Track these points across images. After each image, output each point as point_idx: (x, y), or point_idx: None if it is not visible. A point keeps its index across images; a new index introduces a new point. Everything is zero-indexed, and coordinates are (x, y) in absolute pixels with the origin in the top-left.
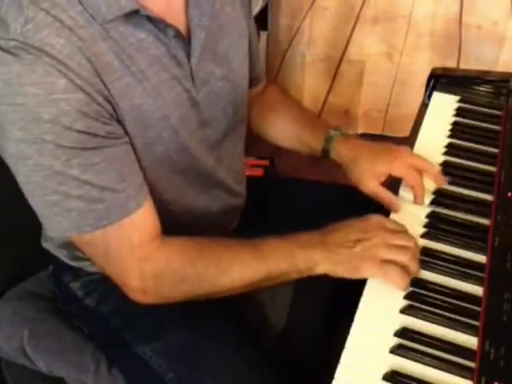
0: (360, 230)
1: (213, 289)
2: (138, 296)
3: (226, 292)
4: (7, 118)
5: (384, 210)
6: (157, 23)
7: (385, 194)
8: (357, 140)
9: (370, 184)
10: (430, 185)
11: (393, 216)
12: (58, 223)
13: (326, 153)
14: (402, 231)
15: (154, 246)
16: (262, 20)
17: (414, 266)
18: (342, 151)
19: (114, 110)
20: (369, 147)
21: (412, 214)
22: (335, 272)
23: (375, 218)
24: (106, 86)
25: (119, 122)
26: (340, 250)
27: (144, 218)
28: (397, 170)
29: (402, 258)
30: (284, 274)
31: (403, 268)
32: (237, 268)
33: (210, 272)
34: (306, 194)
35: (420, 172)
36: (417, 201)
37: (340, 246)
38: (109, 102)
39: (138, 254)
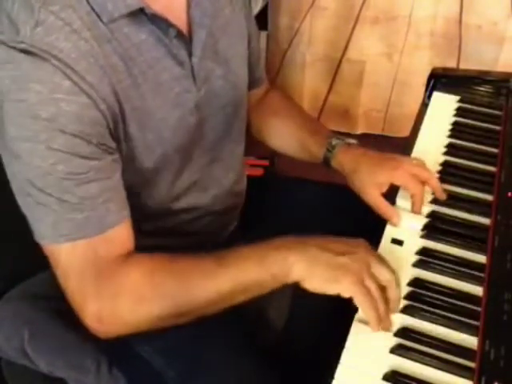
0: (347, 244)
1: (176, 306)
2: (95, 324)
3: (195, 309)
4: (8, 114)
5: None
6: (159, 23)
7: (384, 206)
8: (358, 149)
9: (372, 194)
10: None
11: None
12: (36, 227)
13: (327, 161)
14: (386, 263)
15: (116, 266)
16: (262, 20)
17: (381, 306)
18: (343, 161)
19: (119, 113)
20: (370, 157)
21: (412, 215)
22: (310, 279)
23: (362, 241)
24: (113, 88)
25: (119, 131)
26: (322, 254)
27: (118, 237)
28: (398, 179)
29: (376, 293)
30: (257, 282)
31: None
32: (198, 279)
33: (168, 286)
34: (306, 193)
35: (422, 182)
36: (415, 210)
37: (322, 250)
38: (113, 108)
39: (99, 273)
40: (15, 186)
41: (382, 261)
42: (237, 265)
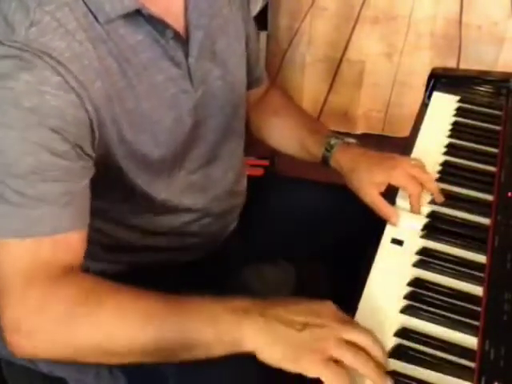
0: (311, 312)
1: (104, 338)
2: (10, 332)
3: (126, 353)
4: None
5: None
6: (156, 24)
7: (383, 206)
8: (357, 149)
9: (370, 193)
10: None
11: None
12: None
13: (325, 161)
14: (357, 325)
15: (54, 276)
16: (262, 20)
17: (367, 368)
18: (341, 160)
19: (110, 117)
20: (368, 156)
21: (412, 215)
22: (268, 353)
23: (328, 303)
24: (106, 91)
25: (111, 132)
26: (281, 329)
27: (67, 244)
28: (396, 179)
29: (353, 360)
30: (203, 345)
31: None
32: (138, 317)
33: (104, 313)
34: (306, 194)
35: (420, 182)
36: (413, 210)
37: (284, 324)
38: (100, 110)
39: (31, 275)
40: None
41: (351, 323)
42: (185, 316)
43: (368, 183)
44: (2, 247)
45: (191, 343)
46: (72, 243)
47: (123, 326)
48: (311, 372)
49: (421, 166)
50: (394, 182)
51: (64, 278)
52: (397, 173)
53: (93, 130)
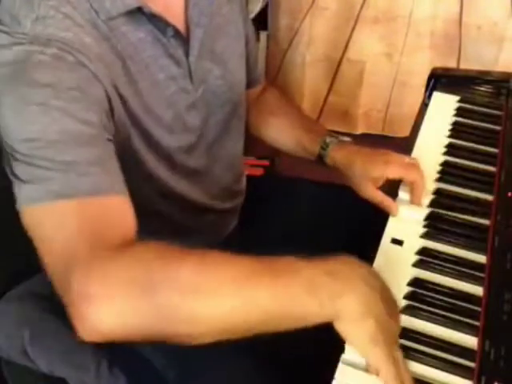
0: (393, 305)
1: (191, 308)
2: (81, 302)
3: (216, 325)
4: (4, 83)
5: (383, 212)
6: (157, 23)
7: (382, 198)
8: (351, 147)
9: (367, 189)
10: (430, 185)
11: (393, 217)
12: (24, 189)
13: (321, 159)
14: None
15: (116, 247)
16: (262, 20)
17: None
18: (336, 158)
19: (120, 102)
20: (362, 153)
21: (412, 215)
22: (357, 327)
23: (397, 302)
24: (113, 81)
25: (123, 115)
26: (380, 306)
27: (114, 208)
28: (392, 172)
29: (406, 374)
30: (300, 307)
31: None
32: (230, 283)
33: (189, 276)
34: (306, 194)
35: (419, 169)
36: (415, 200)
37: (382, 301)
38: (113, 95)
39: (96, 243)
40: (4, 150)
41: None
42: (280, 279)
43: (364, 179)
44: (46, 214)
45: (285, 306)
46: (119, 208)
47: (212, 293)
48: (379, 361)
49: (414, 163)
50: (391, 175)
51: (129, 244)
52: (392, 165)
53: (110, 106)
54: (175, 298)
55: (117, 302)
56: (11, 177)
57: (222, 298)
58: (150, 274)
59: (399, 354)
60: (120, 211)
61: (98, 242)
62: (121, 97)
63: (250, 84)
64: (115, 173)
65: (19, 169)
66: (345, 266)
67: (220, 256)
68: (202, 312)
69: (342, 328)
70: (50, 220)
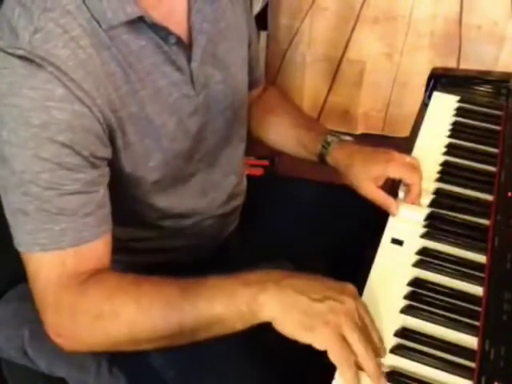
0: (331, 287)
1: (133, 331)
2: (54, 335)
3: (154, 339)
4: (2, 118)
5: (383, 212)
6: (158, 31)
7: (382, 197)
8: (353, 146)
9: (367, 188)
10: (430, 185)
11: (393, 217)
12: (15, 233)
13: (322, 158)
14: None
15: (81, 279)
16: (262, 20)
17: (371, 362)
18: (337, 157)
19: (116, 121)
20: (363, 152)
21: (412, 215)
22: (282, 322)
23: (351, 286)
24: (109, 96)
25: (117, 140)
26: (298, 298)
27: (92, 252)
28: (393, 171)
29: (360, 349)
30: (222, 320)
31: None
32: (159, 307)
33: (128, 310)
34: (306, 193)
35: (419, 171)
36: (413, 200)
37: (300, 293)
38: (108, 117)
39: (62, 283)
40: (1, 189)
41: (367, 311)
42: (203, 299)
43: (365, 178)
44: (31, 260)
45: (212, 322)
46: (97, 250)
47: (146, 318)
48: (321, 343)
49: (415, 163)
50: (392, 174)
51: (90, 281)
52: (393, 165)
53: (103, 135)
54: (121, 328)
55: (76, 338)
56: (6, 214)
57: (155, 321)
58: (101, 314)
59: (352, 333)
60: (96, 254)
61: (66, 282)
62: (118, 110)
63: (251, 85)
64: (103, 213)
65: (12, 211)
66: (260, 274)
67: (152, 287)
68: (143, 337)
69: (278, 328)
70: (31, 266)
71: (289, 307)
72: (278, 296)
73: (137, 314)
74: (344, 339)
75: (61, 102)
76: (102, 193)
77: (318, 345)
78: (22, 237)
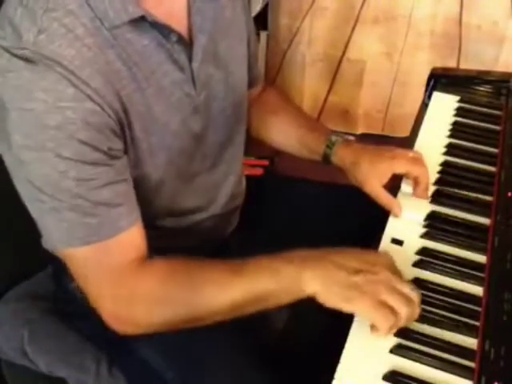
0: (367, 261)
1: (189, 312)
2: (112, 322)
3: (207, 316)
4: (13, 123)
5: (385, 212)
6: (161, 29)
7: (386, 198)
8: (357, 144)
9: (373, 185)
10: (430, 185)
11: (393, 217)
12: (49, 233)
13: (326, 157)
14: (408, 283)
15: (132, 270)
16: (262, 20)
17: (408, 322)
18: (343, 155)
19: (125, 117)
20: (368, 150)
21: (412, 215)
22: (325, 295)
23: (386, 256)
24: (118, 93)
25: (126, 134)
26: (337, 272)
27: (131, 240)
28: (399, 167)
29: (402, 308)
30: (271, 295)
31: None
32: (211, 287)
33: (182, 293)
34: (306, 193)
35: (424, 164)
36: (420, 193)
37: (339, 268)
38: (118, 112)
39: (114, 276)
40: (24, 192)
41: (402, 277)
42: (250, 276)
43: (371, 175)
44: (75, 256)
45: (261, 297)
46: (133, 237)
47: (200, 299)
48: (362, 312)
49: (419, 158)
50: (398, 170)
51: (141, 269)
52: (398, 161)
53: (117, 129)
54: (178, 310)
55: (135, 322)
56: (35, 217)
57: (209, 300)
58: (157, 300)
59: (389, 296)
60: (134, 241)
61: (118, 273)
62: (125, 107)
63: (249, 84)
64: (132, 200)
65: (43, 212)
66: (302, 252)
67: (201, 270)
68: (200, 315)
69: (321, 301)
70: (77, 262)
71: (329, 282)
72: (318, 272)
73: (191, 298)
74: (382, 305)
75: (73, 101)
76: (128, 180)
77: (359, 313)
78: (59, 236)
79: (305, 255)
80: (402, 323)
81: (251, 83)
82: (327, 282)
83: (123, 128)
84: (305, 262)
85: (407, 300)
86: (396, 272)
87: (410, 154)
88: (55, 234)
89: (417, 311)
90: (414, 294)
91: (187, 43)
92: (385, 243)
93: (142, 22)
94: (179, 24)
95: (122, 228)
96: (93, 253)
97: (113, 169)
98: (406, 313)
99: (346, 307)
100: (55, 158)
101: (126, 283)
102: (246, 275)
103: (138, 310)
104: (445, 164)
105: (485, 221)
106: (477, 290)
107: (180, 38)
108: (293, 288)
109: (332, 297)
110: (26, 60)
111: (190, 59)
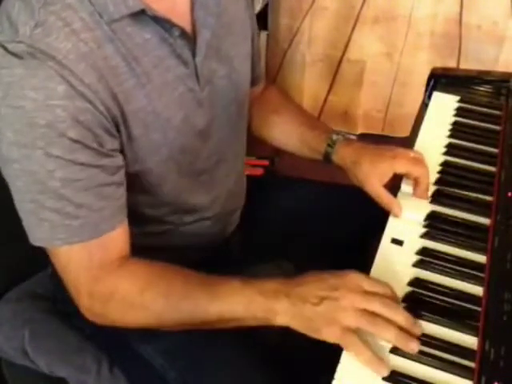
0: (330, 286)
1: (160, 322)
2: (88, 314)
3: (176, 327)
4: (4, 119)
5: (385, 212)
6: (162, 23)
7: (387, 198)
8: (358, 143)
9: (374, 185)
10: (430, 185)
11: (393, 217)
12: (32, 231)
13: (328, 156)
14: (380, 293)
15: (111, 270)
16: (262, 20)
17: (387, 333)
18: (344, 154)
19: (120, 115)
20: (370, 149)
21: (412, 215)
22: (297, 327)
23: (352, 276)
24: (112, 90)
25: (121, 132)
26: (303, 306)
27: (113, 242)
28: (399, 167)
29: (370, 327)
30: (238, 320)
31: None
32: (185, 305)
33: (158, 304)
34: (306, 193)
35: (424, 164)
36: (420, 194)
37: (304, 301)
38: (111, 109)
39: (93, 275)
40: (12, 189)
41: (369, 292)
42: (223, 300)
43: (372, 175)
44: (59, 254)
45: (231, 320)
46: (116, 240)
47: (173, 313)
48: (331, 341)
49: (420, 158)
50: (399, 170)
51: (120, 272)
52: (399, 160)
53: (110, 127)
54: (147, 317)
55: (110, 317)
56: (20, 213)
57: (181, 316)
58: (131, 302)
59: (356, 320)
60: (116, 242)
61: (97, 272)
62: (120, 104)
63: (252, 82)
64: (118, 204)
65: (27, 210)
66: (273, 284)
67: (180, 284)
68: (165, 325)
69: (294, 330)
70: (59, 259)
71: (297, 316)
72: (287, 307)
73: (165, 309)
74: (348, 331)
75: (63, 99)
76: (117, 184)
77: (330, 341)
78: (40, 234)
79: (277, 289)
80: (381, 336)
81: (254, 81)
82: (296, 317)
83: (118, 126)
84: (276, 297)
85: (373, 316)
86: (362, 287)
87: (411, 154)
88: (37, 232)
89: (398, 312)
90: (381, 305)
91: (190, 38)
92: (385, 243)
93: (143, 15)
94: (182, 18)
95: (103, 231)
96: (74, 252)
97: (102, 170)
98: (377, 327)
99: (317, 337)
100: (44, 157)
101: (104, 283)
102: (220, 297)
103: (112, 310)
104: (445, 164)
105: (485, 221)
106: (477, 290)
107: (183, 33)
108: (261, 319)
109: (301, 329)
110: (20, 56)
111: (194, 54)
